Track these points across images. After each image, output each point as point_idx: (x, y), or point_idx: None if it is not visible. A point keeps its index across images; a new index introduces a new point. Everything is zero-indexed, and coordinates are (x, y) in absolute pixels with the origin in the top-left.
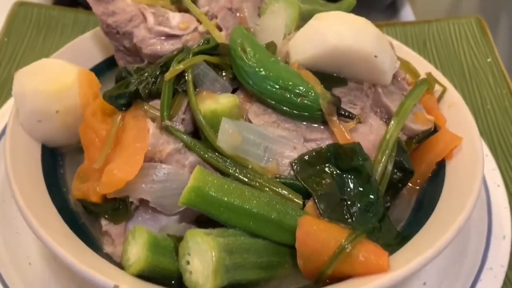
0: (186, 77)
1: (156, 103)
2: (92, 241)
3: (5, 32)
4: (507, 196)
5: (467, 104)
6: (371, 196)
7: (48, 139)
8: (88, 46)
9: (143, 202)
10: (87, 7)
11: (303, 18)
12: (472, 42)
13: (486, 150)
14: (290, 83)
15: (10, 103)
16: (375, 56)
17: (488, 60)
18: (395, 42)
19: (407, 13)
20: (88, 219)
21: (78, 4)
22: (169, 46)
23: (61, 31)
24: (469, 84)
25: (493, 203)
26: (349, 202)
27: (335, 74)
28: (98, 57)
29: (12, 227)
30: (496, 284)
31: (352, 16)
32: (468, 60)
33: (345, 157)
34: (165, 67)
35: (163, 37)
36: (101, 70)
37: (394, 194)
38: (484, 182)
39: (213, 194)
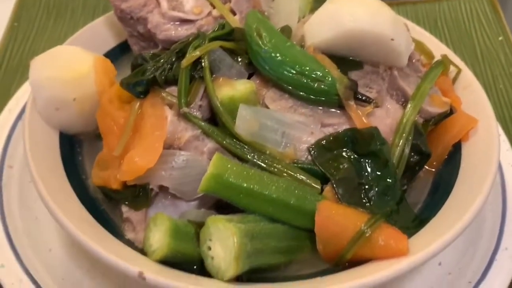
0: (203, 64)
1: (173, 89)
2: (113, 227)
3: (15, 17)
4: None
5: (480, 84)
6: (389, 180)
7: (66, 127)
8: (101, 31)
9: (163, 189)
10: None
11: (317, 0)
12: (484, 20)
13: (499, 130)
14: (307, 68)
15: (24, 88)
16: (392, 39)
17: (500, 38)
18: (409, 23)
19: None
20: (108, 205)
21: None
22: (183, 31)
23: (71, 14)
24: (481, 63)
25: (507, 183)
26: (367, 186)
27: (351, 57)
28: (111, 42)
29: (32, 213)
30: (511, 264)
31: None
32: (480, 38)
33: (363, 142)
34: (181, 53)
35: (177, 22)
36: (115, 55)
37: (411, 176)
38: (498, 162)
39: (232, 180)
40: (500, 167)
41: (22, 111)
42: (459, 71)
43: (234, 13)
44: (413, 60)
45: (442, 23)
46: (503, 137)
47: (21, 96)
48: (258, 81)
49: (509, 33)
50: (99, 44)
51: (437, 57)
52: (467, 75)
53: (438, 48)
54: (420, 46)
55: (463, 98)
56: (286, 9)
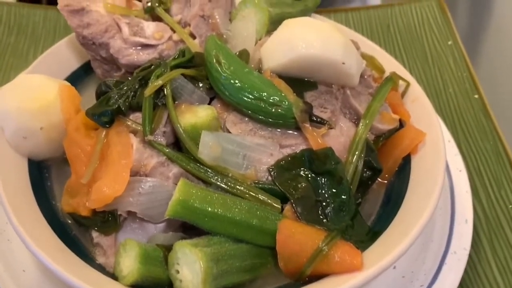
0: (165, 92)
1: (137, 116)
2: (84, 252)
3: None
4: (468, 181)
5: (429, 88)
6: (344, 196)
7: (34, 154)
8: (64, 54)
9: (131, 213)
10: (54, 3)
11: (273, 22)
12: (434, 25)
13: (448, 136)
14: (264, 93)
15: None
16: (343, 63)
17: (449, 43)
18: (360, 37)
19: None
20: (78, 230)
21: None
22: (145, 56)
23: (32, 29)
24: (431, 68)
25: (455, 188)
26: (323, 203)
27: (305, 79)
28: (75, 64)
29: (4, 236)
30: (459, 267)
31: (319, 23)
32: (430, 43)
33: (319, 161)
34: (144, 80)
35: (139, 47)
36: (78, 76)
37: (364, 190)
38: (447, 167)
39: (197, 205)
40: (448, 173)
41: None
42: (408, 85)
43: (193, 37)
44: (365, 76)
45: (394, 28)
46: (452, 143)
47: None
48: (219, 105)
49: (458, 37)
50: (62, 67)
51: (388, 71)
52: (415, 89)
53: (389, 62)
54: (371, 61)
55: (412, 111)
56: (243, 32)
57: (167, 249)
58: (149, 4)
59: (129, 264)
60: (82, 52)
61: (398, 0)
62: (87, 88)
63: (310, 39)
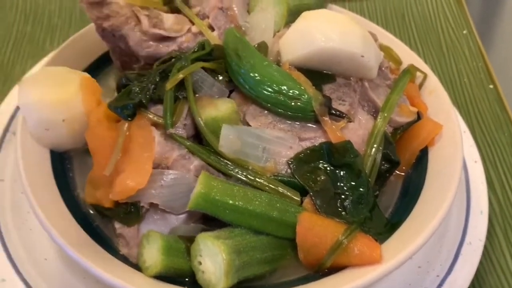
0: (186, 85)
1: (158, 108)
2: (107, 243)
3: None
4: (484, 172)
5: (444, 78)
6: (362, 189)
7: (56, 145)
8: (82, 45)
9: (153, 205)
10: None
11: (291, 14)
12: (449, 14)
13: (463, 126)
14: (284, 86)
15: (8, 101)
16: (362, 56)
17: (464, 32)
18: (377, 28)
19: None
20: (101, 221)
21: None
22: (164, 48)
23: (48, 17)
24: (446, 57)
25: (471, 179)
26: (342, 196)
27: (324, 71)
28: (93, 55)
29: (25, 225)
30: (475, 257)
31: (337, 16)
32: (445, 32)
33: (338, 155)
34: (164, 73)
35: (158, 40)
36: (97, 67)
37: (382, 183)
38: (462, 168)
39: (218, 198)
40: (464, 164)
41: (8, 125)
42: (425, 76)
43: (212, 29)
44: (382, 68)
45: (409, 17)
46: (468, 134)
47: (5, 110)
48: (238, 98)
49: (473, 27)
50: (81, 58)
51: (405, 62)
52: (432, 80)
53: (406, 53)
54: (388, 52)
55: (429, 103)
56: (262, 24)
57: (189, 240)
58: None
59: (152, 255)
60: (100, 43)
61: None
62: (105, 78)
63: (329, 32)
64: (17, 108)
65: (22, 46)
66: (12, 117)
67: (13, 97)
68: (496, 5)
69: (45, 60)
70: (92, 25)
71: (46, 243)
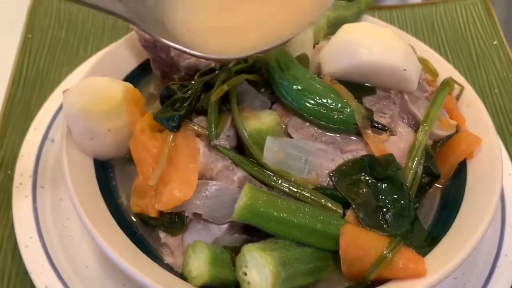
0: (230, 97)
1: (201, 119)
2: (152, 252)
3: (28, 28)
4: None
5: (475, 88)
6: (403, 202)
7: (100, 154)
8: (121, 54)
9: (196, 215)
10: None
11: (330, 26)
12: (479, 24)
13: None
14: (327, 99)
15: (47, 106)
16: (404, 70)
17: (494, 42)
18: (415, 41)
19: None
20: (145, 229)
21: None
22: (204, 60)
23: (82, 24)
24: (476, 68)
25: (506, 192)
26: (384, 209)
27: (364, 84)
28: (132, 64)
29: (66, 232)
30: (511, 270)
31: (379, 29)
32: (475, 42)
33: (380, 167)
34: (207, 84)
35: None
36: (136, 76)
37: (421, 195)
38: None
39: (263, 209)
40: None
41: (48, 130)
42: (462, 89)
43: None
44: (420, 80)
45: (439, 27)
46: (501, 146)
47: (45, 114)
48: (280, 110)
49: (503, 37)
50: (121, 67)
51: (441, 73)
52: (470, 93)
53: (441, 65)
54: (425, 64)
55: (467, 116)
56: (302, 36)
57: (233, 251)
58: None
59: (199, 265)
60: (139, 52)
61: None
62: (144, 87)
63: (372, 46)
64: (55, 115)
65: (56, 53)
66: (51, 124)
67: (51, 104)
68: None
69: (83, 68)
70: (128, 35)
71: (87, 250)
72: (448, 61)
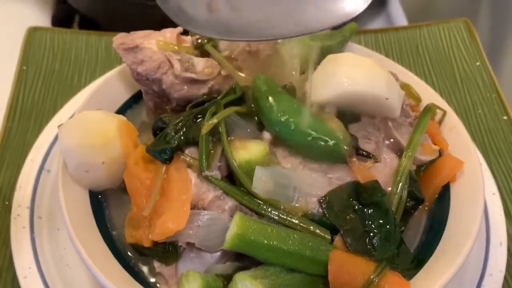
0: (220, 129)
1: (192, 150)
2: (147, 282)
3: (23, 60)
4: (501, 204)
5: (459, 109)
6: (389, 226)
7: (94, 186)
8: (113, 86)
9: (190, 244)
10: (86, 27)
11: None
12: (461, 46)
13: (480, 159)
14: (314, 130)
15: (43, 137)
16: (387, 98)
17: (477, 63)
18: (397, 67)
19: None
20: (139, 259)
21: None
22: (196, 91)
23: (76, 54)
24: (460, 89)
25: (490, 211)
26: (371, 234)
27: (349, 112)
28: (124, 96)
29: (63, 261)
30: None
31: (361, 59)
32: (459, 64)
33: (366, 194)
34: (197, 116)
35: (190, 83)
36: (128, 107)
37: (407, 219)
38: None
39: (253, 238)
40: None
41: (44, 160)
42: (444, 113)
43: (241, 70)
44: (403, 106)
45: (423, 49)
46: (485, 166)
47: (40, 145)
48: (269, 138)
49: (486, 58)
50: (113, 99)
51: (424, 98)
52: (452, 117)
53: (424, 90)
54: (408, 90)
55: (449, 139)
56: (288, 65)
57: (226, 278)
58: (199, 40)
59: None
60: (130, 83)
61: (426, 20)
62: (137, 116)
63: (355, 76)
64: (51, 146)
65: (51, 83)
66: (47, 155)
67: (46, 135)
68: (505, 33)
69: (77, 98)
70: (120, 67)
71: (84, 279)
72: (433, 82)
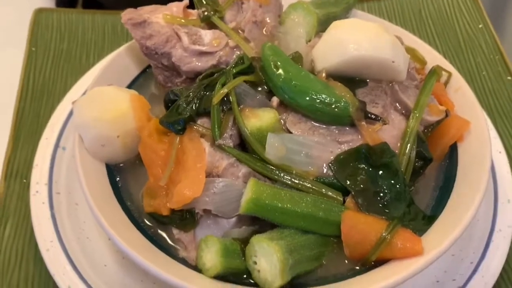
0: (230, 98)
1: (204, 120)
2: (166, 248)
3: (31, 41)
4: (508, 161)
5: (463, 71)
6: (399, 186)
7: (110, 159)
8: (123, 62)
9: (206, 211)
10: (89, 6)
11: (321, 23)
12: (464, 9)
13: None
14: (322, 94)
15: (56, 115)
16: (392, 61)
17: (480, 26)
18: (402, 31)
19: None
20: (158, 227)
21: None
22: (204, 63)
23: (82, 34)
24: (464, 52)
25: (497, 169)
26: (381, 194)
27: (356, 77)
28: (134, 71)
29: (83, 234)
30: (505, 244)
31: (366, 24)
32: (462, 27)
33: (375, 156)
34: (208, 87)
35: (198, 55)
36: (139, 82)
37: (416, 179)
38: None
39: (268, 202)
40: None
41: (58, 138)
42: (449, 75)
43: (248, 41)
44: (409, 69)
45: (425, 13)
46: (490, 126)
47: (54, 123)
48: (278, 106)
49: (488, 20)
50: (124, 75)
51: (429, 61)
52: (457, 78)
53: (428, 53)
54: (413, 53)
55: (455, 101)
56: (294, 33)
57: (243, 242)
58: (206, 13)
59: (211, 258)
60: (139, 58)
61: None
62: (146, 88)
63: (360, 41)
64: (64, 124)
65: (60, 63)
66: (61, 133)
67: (59, 114)
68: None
69: (87, 77)
70: (129, 44)
71: (104, 250)
72: (436, 46)
